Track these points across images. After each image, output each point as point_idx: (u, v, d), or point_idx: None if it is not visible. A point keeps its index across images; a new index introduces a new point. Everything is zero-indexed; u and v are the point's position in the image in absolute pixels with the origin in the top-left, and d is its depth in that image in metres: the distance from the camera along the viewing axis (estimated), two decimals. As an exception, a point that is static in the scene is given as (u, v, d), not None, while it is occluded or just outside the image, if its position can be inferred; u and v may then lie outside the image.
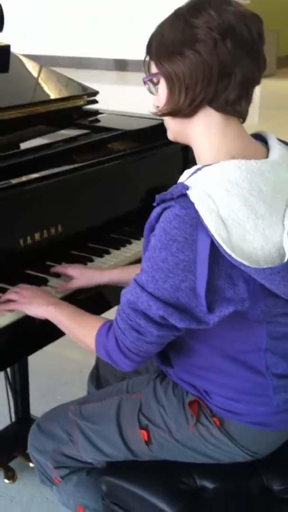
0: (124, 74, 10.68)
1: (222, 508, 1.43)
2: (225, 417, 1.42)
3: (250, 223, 1.17)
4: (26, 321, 1.56)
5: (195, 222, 1.17)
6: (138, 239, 1.96)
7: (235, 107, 1.26)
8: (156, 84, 1.32)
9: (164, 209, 1.22)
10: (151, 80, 1.32)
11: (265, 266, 1.18)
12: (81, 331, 1.45)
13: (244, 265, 1.16)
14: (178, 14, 1.25)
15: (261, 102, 7.63)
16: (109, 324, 1.38)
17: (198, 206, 1.16)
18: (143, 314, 1.27)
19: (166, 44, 1.25)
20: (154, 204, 1.26)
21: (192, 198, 1.17)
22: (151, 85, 1.33)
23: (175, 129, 1.35)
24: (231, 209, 1.16)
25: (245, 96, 1.26)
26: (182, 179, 1.27)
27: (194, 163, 1.32)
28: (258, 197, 1.19)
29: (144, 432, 1.48)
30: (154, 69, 1.30)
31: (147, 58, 1.32)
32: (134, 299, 1.27)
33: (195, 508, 1.42)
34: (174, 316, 1.23)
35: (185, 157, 2.15)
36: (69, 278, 1.69)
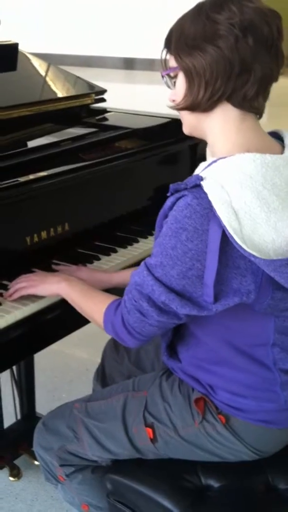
0: (132, 72, 10.67)
1: (227, 506, 1.43)
2: (231, 414, 1.42)
3: (262, 216, 1.18)
4: (36, 317, 1.57)
5: (207, 213, 1.18)
6: (145, 237, 1.96)
7: (252, 103, 1.27)
8: (173, 78, 1.32)
9: (178, 198, 1.23)
10: (168, 74, 1.33)
11: (275, 258, 1.18)
12: (90, 307, 1.49)
13: (254, 256, 1.17)
14: (200, 9, 1.25)
15: (271, 100, 7.59)
16: (118, 302, 1.41)
17: (211, 197, 1.17)
18: (147, 297, 1.29)
19: (187, 38, 1.25)
20: (168, 194, 1.27)
21: (205, 189, 1.18)
22: (168, 79, 1.34)
23: (191, 123, 1.36)
24: (244, 201, 1.17)
25: (263, 93, 1.28)
26: (197, 171, 1.28)
27: (202, 161, 1.32)
28: (271, 190, 1.20)
29: (150, 430, 1.49)
30: (172, 63, 1.31)
31: (165, 52, 1.33)
32: (141, 282, 1.30)
33: (200, 507, 1.42)
34: (176, 302, 1.25)
35: (192, 155, 2.15)
36: None
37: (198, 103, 1.28)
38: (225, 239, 1.18)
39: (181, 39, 1.27)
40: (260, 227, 1.18)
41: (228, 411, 1.43)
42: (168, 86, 1.35)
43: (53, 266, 1.73)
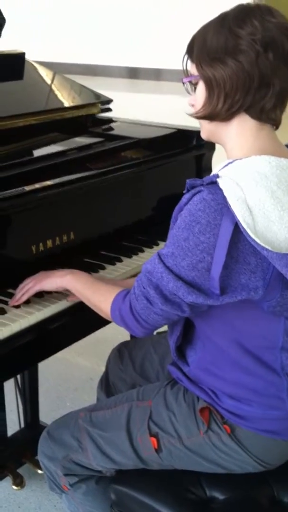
0: (137, 82, 10.69)
1: (232, 519, 1.42)
2: (236, 424, 1.42)
3: (275, 214, 1.20)
4: (41, 325, 1.58)
5: (220, 208, 1.21)
6: (151, 247, 1.96)
7: (270, 115, 1.30)
8: (194, 84, 1.35)
9: (194, 194, 1.26)
10: (189, 80, 1.36)
11: (286, 252, 1.20)
12: (96, 297, 1.51)
13: (267, 250, 1.19)
14: (223, 21, 1.28)
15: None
16: (126, 291, 1.45)
17: (226, 193, 1.20)
18: (156, 285, 1.32)
19: (209, 49, 1.28)
20: (184, 191, 1.31)
21: (221, 185, 1.22)
22: (188, 84, 1.37)
23: (209, 130, 1.39)
24: (258, 199, 1.20)
25: (280, 105, 1.31)
26: (214, 171, 1.31)
27: (208, 171, 1.34)
28: (285, 190, 1.22)
29: (154, 440, 1.49)
30: (194, 71, 1.34)
31: (187, 58, 1.35)
32: (151, 269, 1.33)
33: (204, 519, 1.42)
34: (182, 289, 1.28)
35: (198, 166, 2.15)
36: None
37: (217, 114, 1.31)
38: (237, 235, 1.21)
39: (203, 49, 1.29)
40: (274, 225, 1.20)
41: (233, 420, 1.42)
42: (188, 92, 1.38)
43: None
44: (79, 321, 1.68)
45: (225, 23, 1.27)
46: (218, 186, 1.22)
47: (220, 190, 1.21)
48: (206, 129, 1.39)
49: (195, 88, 1.35)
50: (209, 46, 1.28)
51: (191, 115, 1.38)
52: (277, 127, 1.35)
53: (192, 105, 1.37)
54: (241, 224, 1.19)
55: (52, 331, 1.60)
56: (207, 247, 1.23)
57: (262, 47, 1.24)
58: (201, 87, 1.33)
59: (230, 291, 1.26)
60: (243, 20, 1.25)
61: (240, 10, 1.28)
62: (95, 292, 1.52)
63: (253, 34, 1.24)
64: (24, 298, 1.60)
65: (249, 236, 1.19)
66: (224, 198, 1.21)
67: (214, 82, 1.29)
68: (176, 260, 1.28)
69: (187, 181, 1.30)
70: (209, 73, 1.29)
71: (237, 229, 1.20)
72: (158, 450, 1.48)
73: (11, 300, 1.61)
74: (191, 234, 1.25)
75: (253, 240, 1.19)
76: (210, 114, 1.33)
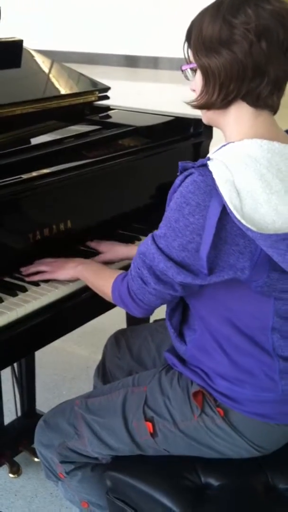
0: (136, 70, 10.66)
1: (227, 505, 1.43)
2: (229, 407, 1.43)
3: (263, 197, 1.21)
4: (38, 314, 1.58)
5: (209, 190, 1.23)
6: (146, 235, 1.95)
7: (266, 101, 1.31)
8: (194, 70, 1.36)
9: (186, 176, 1.28)
10: (188, 68, 1.37)
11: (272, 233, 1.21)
12: (100, 283, 1.57)
13: (251, 231, 1.20)
14: (219, 9, 1.28)
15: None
16: (125, 274, 1.49)
17: (215, 175, 1.21)
18: (149, 266, 1.36)
19: (204, 39, 1.29)
20: (178, 173, 1.32)
21: (210, 167, 1.23)
22: (189, 70, 1.37)
23: (208, 116, 1.41)
24: (247, 181, 1.21)
25: (277, 91, 1.31)
26: (209, 154, 1.32)
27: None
28: (275, 174, 1.23)
29: (149, 424, 1.50)
30: (192, 57, 1.35)
31: (186, 46, 1.36)
32: (145, 250, 1.37)
33: (199, 505, 1.43)
34: (172, 269, 1.32)
35: (195, 154, 2.15)
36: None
37: (213, 103, 1.33)
38: (226, 217, 1.22)
39: (199, 38, 1.30)
40: (261, 207, 1.21)
41: (226, 403, 1.43)
42: (188, 78, 1.39)
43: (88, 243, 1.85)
44: (76, 310, 1.68)
45: (220, 11, 1.27)
46: (208, 168, 1.23)
47: (210, 172, 1.22)
48: (206, 116, 1.41)
49: (195, 74, 1.36)
50: (204, 36, 1.28)
51: (188, 103, 1.39)
52: (275, 112, 1.35)
53: (194, 90, 1.38)
54: (227, 206, 1.20)
55: (49, 319, 1.60)
56: (196, 228, 1.25)
57: (255, 36, 1.23)
58: (199, 75, 1.34)
59: (218, 271, 1.29)
60: (238, 8, 1.25)
61: None
62: (100, 278, 1.58)
63: (246, 23, 1.23)
64: (35, 279, 1.65)
65: (235, 217, 1.19)
66: (213, 180, 1.22)
67: (209, 71, 1.30)
68: (168, 240, 1.31)
69: (180, 163, 1.32)
70: (205, 63, 1.30)
71: (226, 211, 1.21)
72: (153, 434, 1.49)
73: (24, 271, 1.67)
74: (181, 215, 1.27)
75: (239, 221, 1.20)
76: (206, 104, 1.34)
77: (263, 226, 1.21)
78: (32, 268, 1.67)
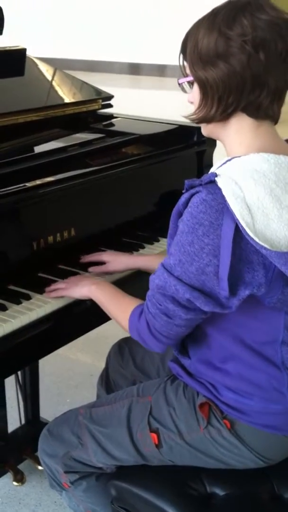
0: (138, 78, 10.68)
1: (232, 515, 1.43)
2: (236, 419, 1.42)
3: (274, 212, 1.20)
4: (41, 323, 1.58)
5: (221, 207, 1.20)
6: (151, 243, 1.96)
7: (267, 112, 1.29)
8: (192, 83, 1.34)
9: (192, 195, 1.25)
10: (185, 81, 1.35)
11: (286, 250, 1.20)
12: (117, 313, 1.52)
13: (265, 249, 1.19)
14: (213, 20, 1.25)
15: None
16: (141, 309, 1.43)
17: (225, 192, 1.19)
18: (171, 298, 1.30)
19: (200, 51, 1.26)
20: (183, 191, 1.29)
21: (219, 184, 1.21)
22: (186, 83, 1.35)
23: (208, 129, 1.38)
24: (257, 197, 1.19)
25: (278, 101, 1.29)
26: (212, 169, 1.30)
27: (209, 168, 1.33)
28: (284, 189, 1.22)
29: (155, 435, 1.49)
30: (188, 70, 1.33)
31: (182, 58, 1.34)
32: (163, 284, 1.31)
33: (205, 515, 1.42)
34: (200, 300, 1.27)
35: (199, 162, 2.15)
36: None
37: (212, 116, 1.30)
38: (239, 234, 1.20)
39: (195, 51, 1.28)
40: (273, 223, 1.20)
41: (233, 415, 1.42)
42: (184, 91, 1.37)
43: (85, 258, 1.80)
44: (79, 318, 1.68)
45: (216, 23, 1.24)
46: (216, 185, 1.21)
47: (219, 189, 1.21)
48: (206, 129, 1.39)
49: (192, 86, 1.34)
50: (200, 48, 1.26)
51: (186, 117, 1.37)
52: (276, 122, 1.34)
53: (192, 102, 1.36)
54: (239, 223, 1.18)
55: (53, 328, 1.60)
56: (212, 249, 1.22)
57: (253, 48, 1.21)
58: (196, 87, 1.32)
59: (238, 291, 1.25)
60: (233, 19, 1.23)
61: (231, 8, 1.24)
62: (115, 305, 1.53)
63: (243, 35, 1.21)
64: (53, 295, 1.63)
65: (248, 234, 1.18)
66: (223, 197, 1.20)
67: (207, 84, 1.27)
68: (184, 267, 1.26)
69: (186, 181, 1.29)
70: (202, 76, 1.28)
71: (238, 228, 1.20)
72: (158, 445, 1.49)
73: (47, 289, 1.65)
74: (196, 237, 1.23)
75: (252, 239, 1.18)
76: (205, 118, 1.32)
77: (276, 241, 1.20)
78: (52, 286, 1.65)
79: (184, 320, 1.32)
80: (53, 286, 1.65)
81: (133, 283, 1.75)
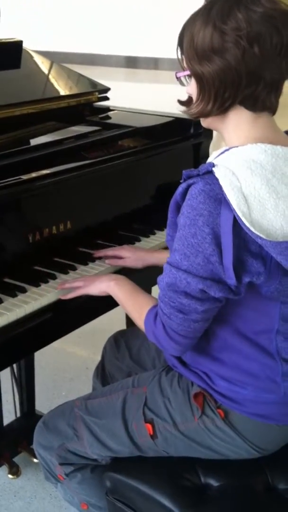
0: (135, 71, 10.66)
1: (226, 506, 1.43)
2: (230, 408, 1.43)
3: (271, 202, 1.20)
4: (37, 315, 1.57)
5: (219, 197, 1.21)
6: (147, 236, 1.96)
7: (264, 103, 1.29)
8: (189, 76, 1.33)
9: (189, 185, 1.26)
10: (183, 76, 1.35)
11: (281, 240, 1.20)
12: (133, 312, 1.51)
13: (261, 238, 1.19)
14: (208, 13, 1.25)
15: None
16: (155, 311, 1.42)
17: (222, 182, 1.20)
18: (184, 293, 1.30)
19: (196, 47, 1.26)
20: (181, 181, 1.30)
21: (216, 174, 1.21)
22: (183, 77, 1.35)
23: (207, 122, 1.38)
24: (254, 187, 1.20)
25: (275, 92, 1.29)
26: (210, 159, 1.31)
27: (205, 160, 1.33)
28: (280, 179, 1.22)
29: (149, 426, 1.49)
30: (185, 64, 1.32)
31: (179, 51, 1.34)
32: (172, 281, 1.30)
33: (199, 505, 1.42)
34: (214, 287, 1.27)
35: (195, 154, 2.15)
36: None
37: (209, 111, 1.31)
38: (237, 223, 1.21)
39: (191, 46, 1.28)
40: (269, 213, 1.20)
41: (227, 404, 1.43)
42: (183, 84, 1.36)
43: (99, 252, 1.81)
44: (75, 312, 1.68)
45: (211, 17, 1.24)
46: (214, 175, 1.22)
47: (216, 179, 1.21)
48: (205, 122, 1.39)
49: (190, 78, 1.34)
50: (196, 43, 1.26)
51: (184, 112, 1.38)
52: (274, 113, 1.34)
53: (190, 95, 1.36)
54: (236, 213, 1.19)
55: (48, 320, 1.60)
56: (214, 237, 1.23)
57: (248, 42, 1.21)
58: (194, 81, 1.32)
59: (240, 278, 1.25)
60: (228, 13, 1.22)
61: (225, 0, 1.24)
62: (133, 304, 1.52)
63: (238, 30, 1.21)
64: (71, 296, 1.62)
65: (244, 224, 1.19)
66: (220, 187, 1.20)
67: (204, 79, 1.28)
68: (190, 259, 1.26)
69: (184, 172, 1.29)
70: (198, 70, 1.28)
71: (235, 217, 1.20)
72: (153, 436, 1.49)
73: (59, 286, 1.64)
74: (197, 228, 1.24)
75: (248, 228, 1.19)
76: (202, 112, 1.32)
77: (272, 231, 1.20)
78: (68, 285, 1.64)
79: (200, 313, 1.31)
80: (68, 285, 1.64)
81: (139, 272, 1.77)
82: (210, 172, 1.23)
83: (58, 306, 1.63)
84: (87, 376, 2.58)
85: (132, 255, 1.77)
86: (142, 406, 1.51)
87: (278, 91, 1.30)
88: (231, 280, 1.25)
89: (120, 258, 1.78)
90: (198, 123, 1.54)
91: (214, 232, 1.22)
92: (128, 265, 1.76)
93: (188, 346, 1.40)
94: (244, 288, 1.27)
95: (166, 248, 1.81)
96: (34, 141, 1.99)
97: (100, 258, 1.80)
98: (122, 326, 2.19)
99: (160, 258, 1.75)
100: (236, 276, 1.24)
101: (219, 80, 1.25)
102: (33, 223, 1.71)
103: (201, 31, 1.25)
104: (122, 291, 1.56)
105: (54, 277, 1.69)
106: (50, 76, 2.28)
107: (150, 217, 2.02)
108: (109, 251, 1.80)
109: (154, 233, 1.98)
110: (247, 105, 1.28)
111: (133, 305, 1.51)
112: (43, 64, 2.29)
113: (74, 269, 1.74)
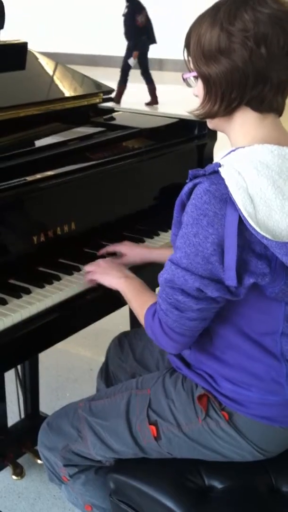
0: (139, 72, 10.68)
1: (230, 508, 1.43)
2: (234, 410, 1.43)
3: (277, 203, 1.20)
4: (41, 316, 1.57)
5: (225, 198, 1.21)
6: (151, 237, 1.96)
7: (271, 105, 1.29)
8: (196, 77, 1.34)
9: (195, 185, 1.26)
10: (190, 77, 1.35)
11: (287, 241, 1.20)
12: (138, 311, 1.51)
13: (266, 239, 1.19)
14: (215, 15, 1.25)
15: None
16: (155, 308, 1.42)
17: (228, 182, 1.20)
18: (181, 290, 1.30)
19: (203, 48, 1.27)
20: (187, 180, 1.30)
21: (222, 174, 1.21)
22: (191, 77, 1.35)
23: (213, 123, 1.38)
24: (260, 188, 1.20)
25: (282, 93, 1.29)
26: (216, 159, 1.31)
27: (209, 161, 1.33)
28: (287, 180, 1.22)
29: (153, 428, 1.49)
30: (192, 65, 1.33)
31: (186, 53, 1.34)
32: (171, 277, 1.31)
33: (203, 507, 1.42)
34: (210, 287, 1.27)
35: (199, 156, 2.15)
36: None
37: (216, 112, 1.31)
38: (242, 224, 1.21)
39: (198, 47, 1.28)
40: (275, 214, 1.20)
41: (231, 406, 1.43)
42: (189, 85, 1.37)
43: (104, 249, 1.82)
44: (80, 312, 1.68)
45: (217, 18, 1.24)
46: (220, 175, 1.22)
47: (222, 179, 1.21)
48: (211, 123, 1.39)
49: (197, 79, 1.34)
50: (203, 44, 1.26)
51: (191, 113, 1.37)
52: (280, 115, 1.34)
53: (197, 96, 1.36)
54: (242, 213, 1.19)
55: (53, 321, 1.60)
56: (217, 238, 1.22)
57: (255, 43, 1.21)
58: (201, 82, 1.32)
59: (243, 279, 1.25)
60: (235, 14, 1.22)
61: (232, 2, 1.24)
62: (138, 304, 1.52)
63: (245, 31, 1.21)
64: (88, 278, 1.66)
65: (250, 225, 1.19)
66: (226, 187, 1.20)
67: (210, 80, 1.28)
68: (190, 258, 1.27)
69: (190, 171, 1.30)
70: (205, 71, 1.28)
71: (241, 218, 1.20)
72: (157, 438, 1.49)
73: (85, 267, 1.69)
74: (200, 228, 1.23)
75: (253, 229, 1.19)
76: (209, 113, 1.33)
77: (277, 232, 1.20)
78: (88, 267, 1.67)
79: (195, 311, 1.31)
80: (88, 267, 1.67)
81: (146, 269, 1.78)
82: (216, 172, 1.23)
83: (62, 307, 1.63)
84: (91, 377, 2.58)
85: (130, 252, 1.78)
86: (146, 407, 1.52)
87: (285, 92, 1.30)
88: (231, 281, 1.25)
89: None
90: (203, 124, 1.54)
91: (218, 233, 1.22)
92: (125, 262, 1.76)
93: (185, 344, 1.40)
94: (244, 290, 1.27)
95: (169, 247, 1.82)
96: (39, 142, 1.99)
97: (103, 256, 1.80)
98: (126, 327, 2.19)
99: (159, 254, 1.75)
100: (238, 277, 1.24)
101: (226, 81, 1.26)
102: (37, 224, 1.72)
103: (208, 32, 1.25)
104: (130, 290, 1.56)
105: (58, 278, 1.69)
106: (55, 78, 2.28)
107: (154, 218, 2.02)
108: (110, 248, 1.81)
109: (158, 234, 1.98)
110: (254, 106, 1.29)
111: (139, 303, 1.52)
112: (48, 66, 2.30)
113: (79, 270, 1.74)
